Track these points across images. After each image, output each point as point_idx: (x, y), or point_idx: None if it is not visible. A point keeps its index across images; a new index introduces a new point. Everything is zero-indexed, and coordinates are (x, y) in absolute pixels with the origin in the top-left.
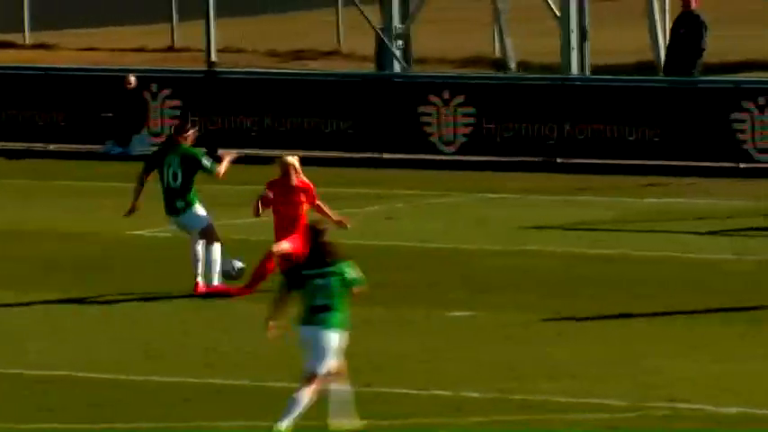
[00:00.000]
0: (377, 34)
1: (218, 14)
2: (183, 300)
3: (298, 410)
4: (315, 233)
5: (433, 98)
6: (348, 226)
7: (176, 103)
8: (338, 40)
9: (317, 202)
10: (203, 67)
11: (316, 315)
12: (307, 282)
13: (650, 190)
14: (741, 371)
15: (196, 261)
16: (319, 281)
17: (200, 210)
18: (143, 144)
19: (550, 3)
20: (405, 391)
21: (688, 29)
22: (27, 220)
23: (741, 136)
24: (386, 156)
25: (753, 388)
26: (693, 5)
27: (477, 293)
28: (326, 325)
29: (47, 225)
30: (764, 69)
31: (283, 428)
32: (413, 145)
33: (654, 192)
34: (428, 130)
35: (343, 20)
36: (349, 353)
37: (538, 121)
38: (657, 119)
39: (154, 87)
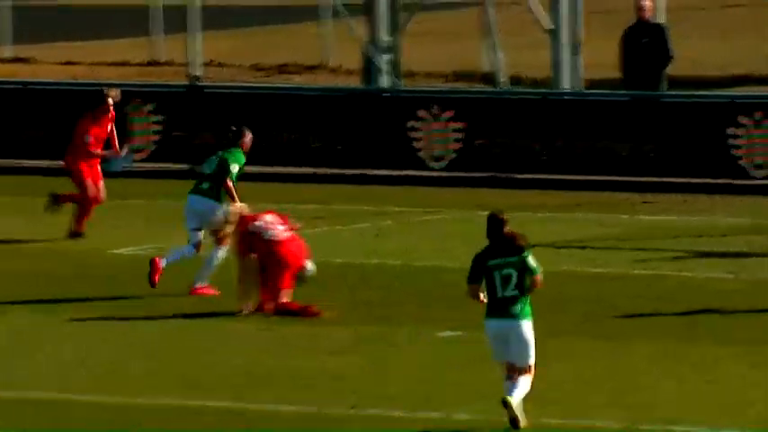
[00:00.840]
0: (364, 47)
1: (202, 28)
2: (172, 319)
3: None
4: (497, 223)
5: (422, 113)
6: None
7: (159, 118)
8: (324, 54)
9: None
10: (186, 82)
11: (507, 307)
12: (493, 272)
13: (644, 207)
14: (737, 391)
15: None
16: (505, 271)
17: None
18: (126, 161)
19: (539, 17)
20: (394, 413)
21: (652, 38)
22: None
23: (737, 152)
24: (374, 172)
25: (748, 409)
26: (648, 15)
27: (466, 313)
28: (521, 316)
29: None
30: (760, 84)
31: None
32: (401, 161)
33: (647, 209)
34: (417, 145)
35: (328, 33)
36: (334, 374)
37: (529, 137)
38: (651, 134)
39: (136, 102)
